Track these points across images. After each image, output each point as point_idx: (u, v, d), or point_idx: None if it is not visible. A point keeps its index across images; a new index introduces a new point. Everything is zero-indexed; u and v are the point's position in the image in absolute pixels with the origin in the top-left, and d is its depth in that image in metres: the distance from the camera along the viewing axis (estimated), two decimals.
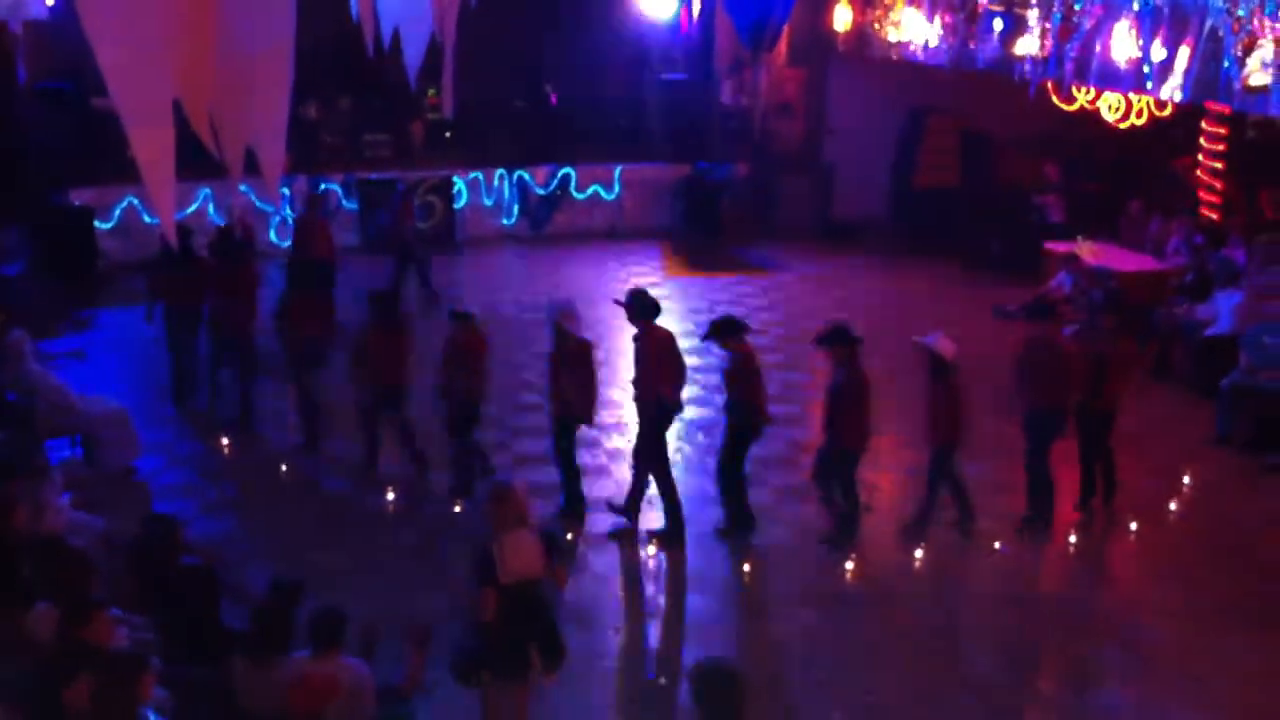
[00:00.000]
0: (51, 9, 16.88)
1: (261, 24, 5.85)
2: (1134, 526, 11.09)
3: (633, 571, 10.18)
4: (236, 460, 12.26)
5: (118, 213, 18.83)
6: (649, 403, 10.59)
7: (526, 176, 21.09)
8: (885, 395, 13.99)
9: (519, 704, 7.32)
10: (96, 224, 18.52)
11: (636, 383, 10.71)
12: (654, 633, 9.33)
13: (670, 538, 10.58)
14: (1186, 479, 12.18)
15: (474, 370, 11.13)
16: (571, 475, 11.11)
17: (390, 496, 11.43)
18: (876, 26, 19.97)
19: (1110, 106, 16.59)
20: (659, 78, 22.59)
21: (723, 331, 10.54)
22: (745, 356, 10.55)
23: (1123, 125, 17.11)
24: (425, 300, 17.03)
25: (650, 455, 10.67)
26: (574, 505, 11.07)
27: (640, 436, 10.85)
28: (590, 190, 21.29)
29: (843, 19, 20.90)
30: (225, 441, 12.59)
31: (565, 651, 7.34)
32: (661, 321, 10.72)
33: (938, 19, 18.05)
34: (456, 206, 20.97)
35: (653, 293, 10.80)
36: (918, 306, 17.84)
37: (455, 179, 20.86)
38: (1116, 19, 14.26)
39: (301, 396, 12.44)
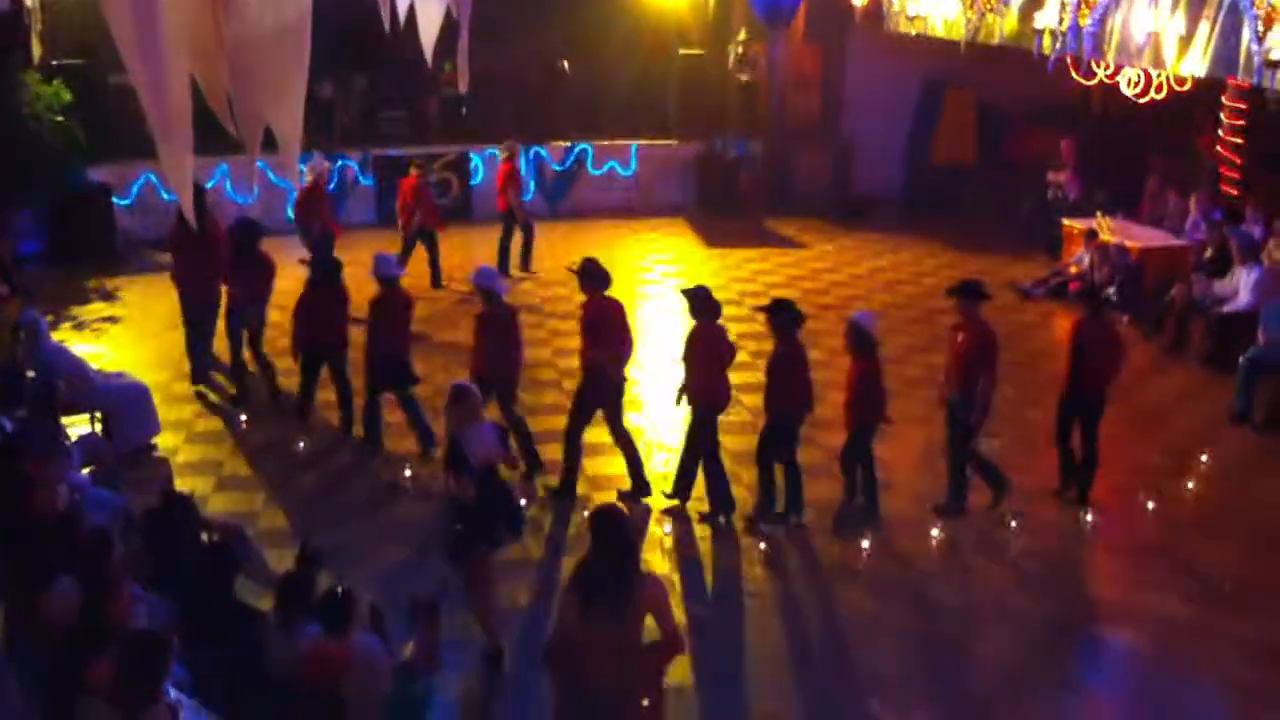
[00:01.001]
0: None
1: (278, 2, 5.86)
2: (1150, 505, 11.06)
3: (651, 550, 10.17)
4: (255, 438, 12.30)
5: (136, 189, 18.88)
6: (594, 373, 10.75)
7: (543, 153, 21.07)
8: (901, 372, 14.05)
9: (489, 573, 8.52)
10: (115, 201, 18.57)
11: (583, 352, 10.83)
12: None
13: (562, 492, 10.92)
14: (1204, 456, 12.13)
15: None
16: (520, 432, 11.19)
17: (408, 473, 11.45)
18: (894, 1, 19.85)
19: (1129, 81, 16.45)
20: (676, 53, 22.51)
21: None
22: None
23: (1142, 100, 16.97)
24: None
25: (575, 425, 10.88)
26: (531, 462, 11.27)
27: (606, 410, 10.93)
28: (607, 167, 21.25)
29: None
30: (244, 419, 12.62)
31: (525, 522, 8.99)
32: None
33: None
34: (473, 183, 20.95)
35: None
36: (933, 282, 17.79)
37: (471, 155, 20.84)
38: None
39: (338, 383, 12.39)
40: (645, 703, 6.32)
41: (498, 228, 17.90)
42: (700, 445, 10.63)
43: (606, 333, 10.77)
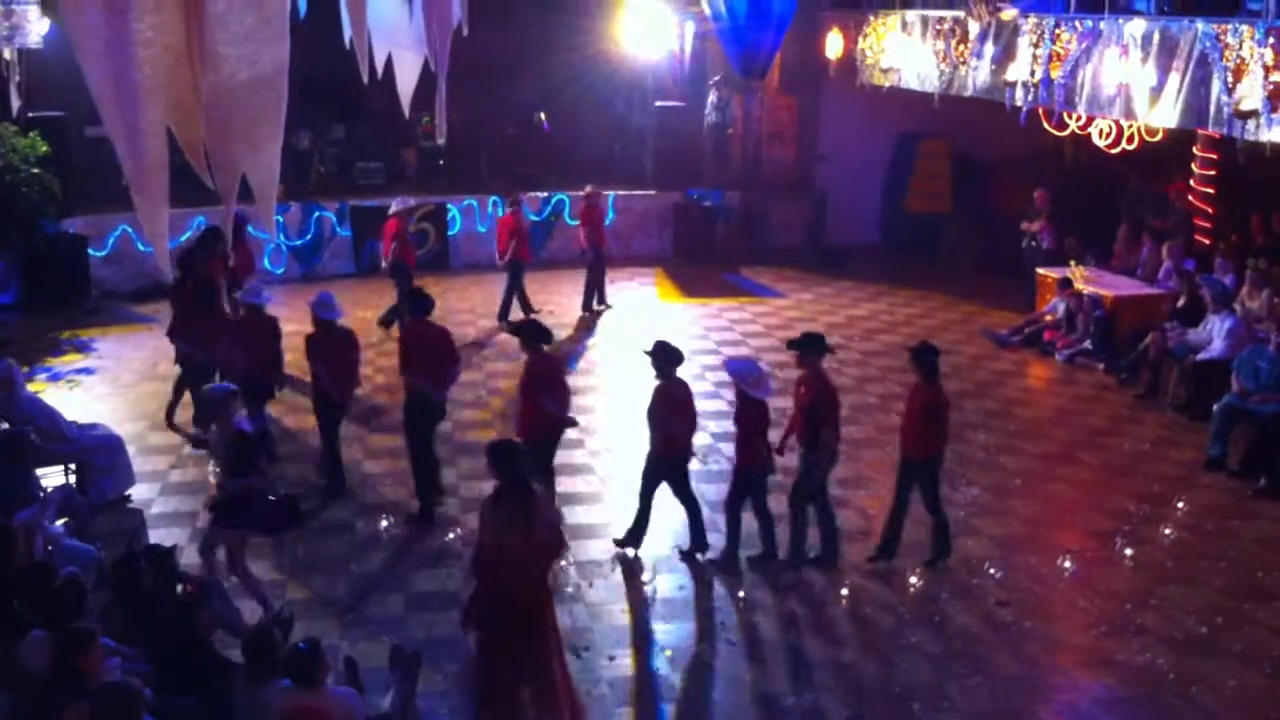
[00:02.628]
0: (46, 37, 16.93)
1: (255, 52, 5.88)
2: (1128, 552, 11.09)
3: (629, 599, 10.14)
4: None
5: (111, 241, 18.85)
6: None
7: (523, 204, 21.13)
8: (879, 419, 14.10)
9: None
10: (90, 252, 18.53)
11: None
12: (649, 662, 9.28)
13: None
14: (1178, 503, 12.19)
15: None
16: (333, 457, 11.96)
17: (385, 524, 11.40)
18: (868, 53, 20.08)
19: (1101, 132, 16.65)
20: (652, 105, 22.69)
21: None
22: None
23: (1114, 151, 17.17)
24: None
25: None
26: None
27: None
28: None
29: (834, 46, 21.01)
30: (218, 470, 12.53)
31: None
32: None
33: (929, 46, 18.16)
34: (450, 234, 21.01)
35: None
36: (910, 332, 17.89)
37: (449, 206, 20.91)
38: (1106, 45, 14.36)
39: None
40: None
41: (477, 277, 17.95)
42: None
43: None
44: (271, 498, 9.62)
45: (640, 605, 10.04)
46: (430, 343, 11.49)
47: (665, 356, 10.53)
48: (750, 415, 10.44)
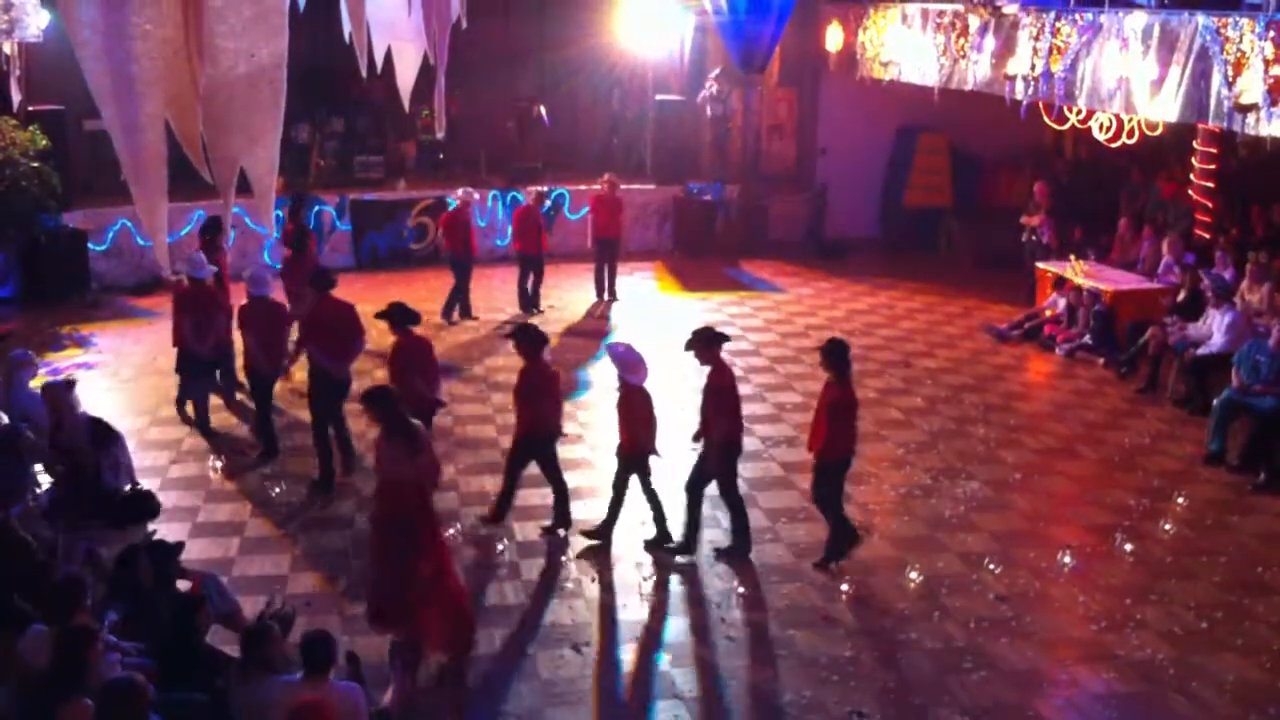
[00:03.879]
0: (45, 30, 16.88)
1: (253, 45, 5.86)
2: (1127, 546, 11.08)
3: (630, 594, 10.13)
4: (230, 483, 12.22)
5: (111, 235, 18.83)
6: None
7: (520, 197, 21.11)
8: (878, 414, 14.09)
9: None
10: (89, 246, 18.52)
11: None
12: (648, 657, 9.27)
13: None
14: (1178, 497, 12.18)
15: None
16: (265, 421, 12.68)
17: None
18: (867, 47, 20.05)
19: (1101, 126, 16.64)
20: (652, 98, 22.67)
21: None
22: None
23: (1114, 144, 17.16)
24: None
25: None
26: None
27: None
28: (583, 211, 21.26)
29: (834, 39, 20.99)
30: (219, 465, 12.55)
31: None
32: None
33: (928, 38, 18.13)
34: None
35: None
36: (911, 326, 17.89)
37: (449, 200, 20.89)
38: (1107, 39, 14.34)
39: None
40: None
41: (475, 270, 17.92)
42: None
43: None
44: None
45: (640, 601, 10.03)
46: (333, 320, 11.83)
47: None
48: (630, 400, 10.50)
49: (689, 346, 10.64)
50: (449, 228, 17.71)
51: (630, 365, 10.48)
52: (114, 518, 10.28)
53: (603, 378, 15.13)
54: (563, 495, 11.10)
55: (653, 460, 10.69)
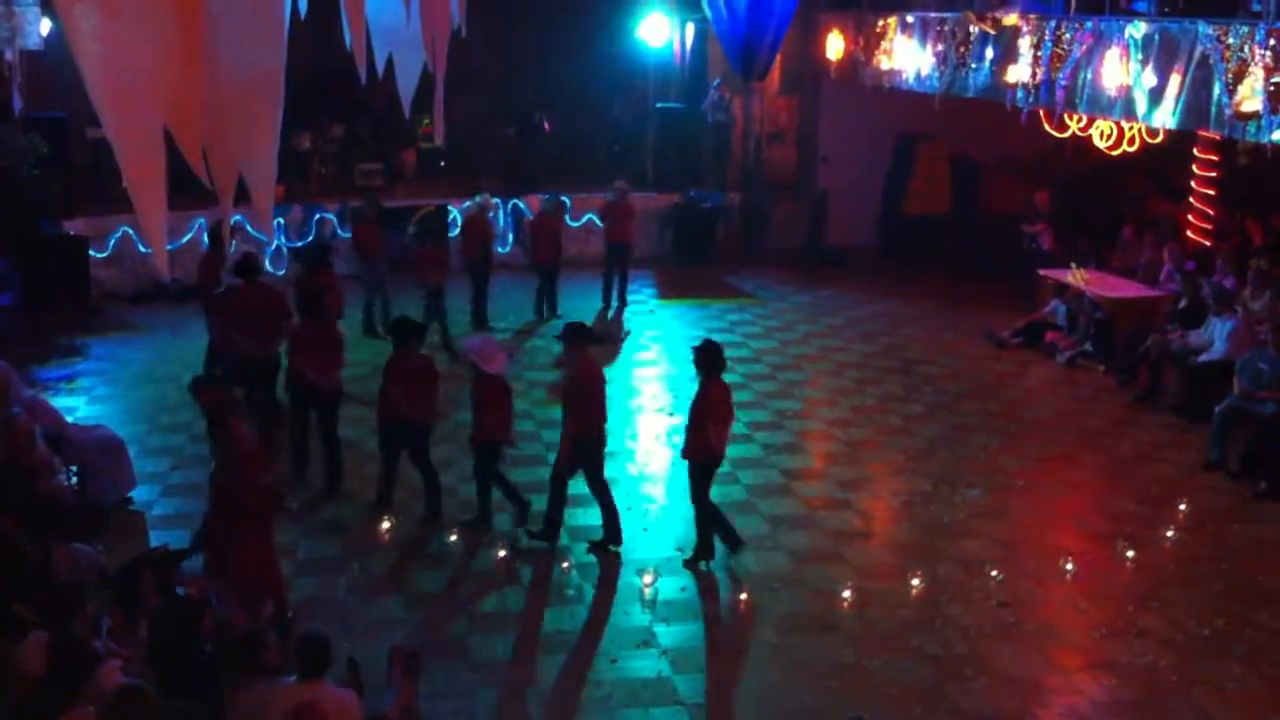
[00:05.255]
0: (47, 38, 16.93)
1: (251, 53, 5.87)
2: (1128, 554, 11.07)
3: (631, 602, 10.12)
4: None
5: (112, 242, 18.83)
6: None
7: (521, 204, 21.13)
8: (879, 421, 14.09)
9: None
10: (90, 253, 18.52)
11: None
12: (649, 663, 9.26)
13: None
14: (1178, 505, 12.17)
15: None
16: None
17: (386, 525, 11.38)
18: (868, 55, 20.07)
19: (1102, 133, 16.64)
20: (653, 106, 22.69)
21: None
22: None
23: (1114, 152, 17.16)
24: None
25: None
26: None
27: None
28: (585, 218, 21.30)
29: (835, 47, 21.01)
30: None
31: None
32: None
33: (929, 46, 18.15)
34: (450, 235, 20.96)
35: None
36: (910, 332, 17.89)
37: (449, 208, 20.89)
38: (1107, 47, 14.34)
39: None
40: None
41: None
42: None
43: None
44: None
45: (641, 608, 10.02)
46: (254, 305, 12.45)
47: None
48: (485, 389, 10.90)
49: (562, 337, 11.01)
50: (468, 233, 17.71)
51: (486, 356, 10.90)
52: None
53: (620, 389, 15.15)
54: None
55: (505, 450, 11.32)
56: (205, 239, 17.79)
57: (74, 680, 6.43)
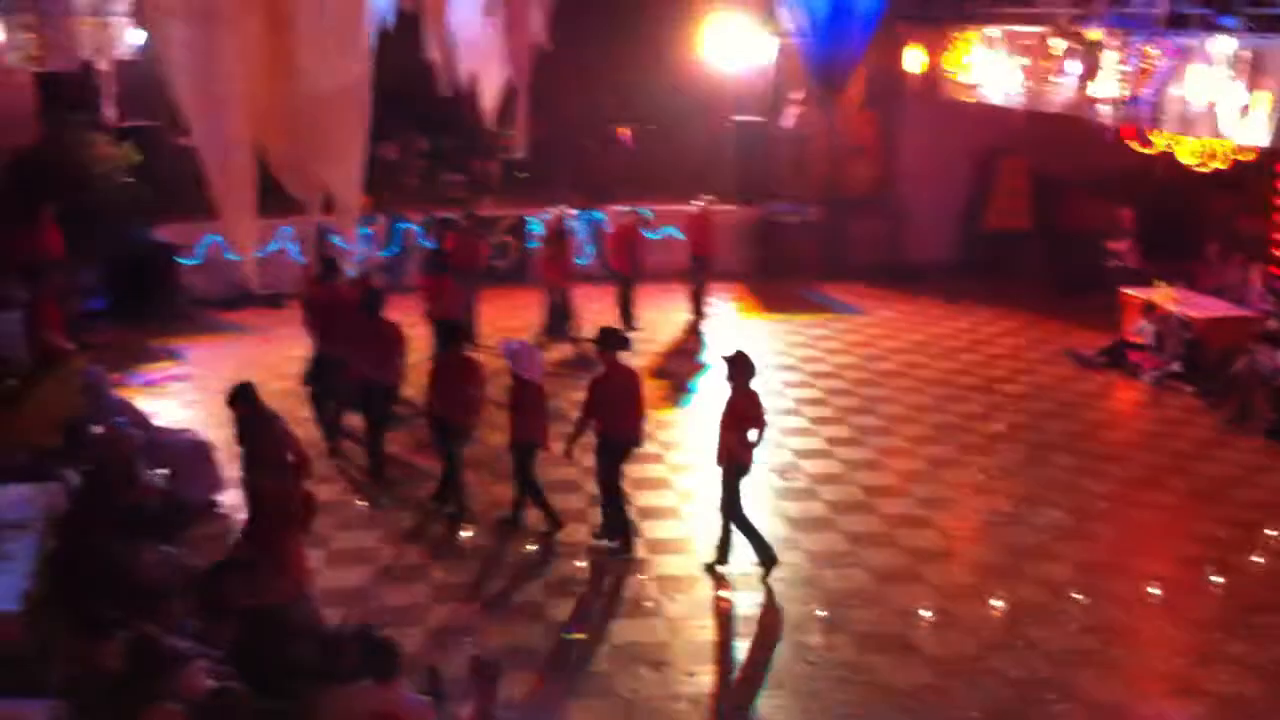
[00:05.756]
0: (139, 48, 17.24)
1: (338, 66, 5.93)
2: (1216, 579, 10.84)
3: (709, 615, 10.08)
4: (317, 497, 12.30)
5: (201, 249, 19.13)
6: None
7: (600, 217, 21.16)
8: (960, 439, 13.94)
9: None
10: (179, 260, 18.83)
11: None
12: (725, 678, 9.21)
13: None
14: (1270, 530, 11.90)
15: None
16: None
17: (466, 534, 11.43)
18: (950, 69, 19.89)
19: (1188, 151, 16.35)
20: (733, 119, 22.64)
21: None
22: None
23: (1202, 170, 16.85)
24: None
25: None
26: None
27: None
28: (664, 231, 21.26)
29: (916, 61, 20.85)
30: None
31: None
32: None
33: (1012, 61, 17.94)
34: (529, 245, 21.07)
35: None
36: (992, 351, 17.67)
37: (529, 219, 20.98)
38: (1194, 63, 14.09)
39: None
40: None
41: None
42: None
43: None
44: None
45: (719, 622, 9.97)
46: (370, 334, 12.39)
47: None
48: (523, 393, 11.19)
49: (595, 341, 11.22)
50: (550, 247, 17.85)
51: (523, 361, 11.20)
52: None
53: (693, 398, 15.13)
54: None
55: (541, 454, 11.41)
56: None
57: (154, 679, 6.51)
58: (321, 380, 13.27)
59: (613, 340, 11.14)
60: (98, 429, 10.84)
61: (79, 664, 7.35)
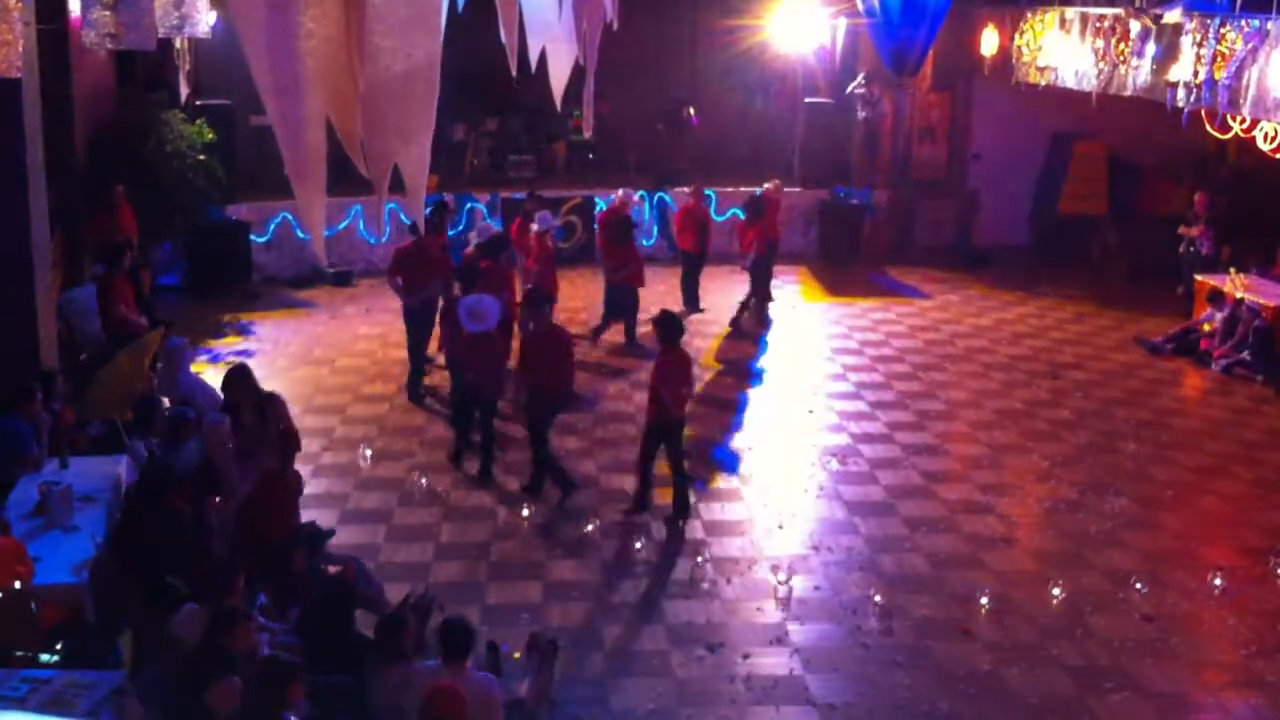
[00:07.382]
0: (214, 27, 17.45)
1: (410, 45, 6.00)
2: None
3: (765, 597, 10.12)
4: (379, 472, 12.50)
5: (272, 227, 19.41)
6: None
7: (667, 198, 21.20)
8: (1025, 425, 13.85)
9: None
10: (251, 238, 19.11)
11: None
12: (782, 661, 9.25)
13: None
14: None
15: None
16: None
17: (527, 513, 11.53)
18: (1024, 51, 19.69)
19: (1266, 136, 16.08)
20: (802, 100, 22.57)
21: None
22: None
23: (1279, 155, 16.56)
24: None
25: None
26: None
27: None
28: (730, 213, 21.26)
29: (989, 43, 20.66)
30: (369, 453, 12.82)
31: None
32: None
33: (1087, 43, 17.74)
34: (595, 227, 21.14)
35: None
36: (1060, 337, 17.52)
37: (596, 199, 21.06)
38: (1274, 46, 13.86)
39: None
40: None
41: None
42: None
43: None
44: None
45: (776, 604, 10.01)
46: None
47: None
48: (482, 345, 11.86)
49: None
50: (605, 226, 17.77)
51: (471, 314, 11.66)
52: None
53: (755, 382, 15.15)
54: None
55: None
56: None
57: (224, 652, 6.65)
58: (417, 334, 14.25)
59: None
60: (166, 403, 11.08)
61: (147, 636, 7.54)
